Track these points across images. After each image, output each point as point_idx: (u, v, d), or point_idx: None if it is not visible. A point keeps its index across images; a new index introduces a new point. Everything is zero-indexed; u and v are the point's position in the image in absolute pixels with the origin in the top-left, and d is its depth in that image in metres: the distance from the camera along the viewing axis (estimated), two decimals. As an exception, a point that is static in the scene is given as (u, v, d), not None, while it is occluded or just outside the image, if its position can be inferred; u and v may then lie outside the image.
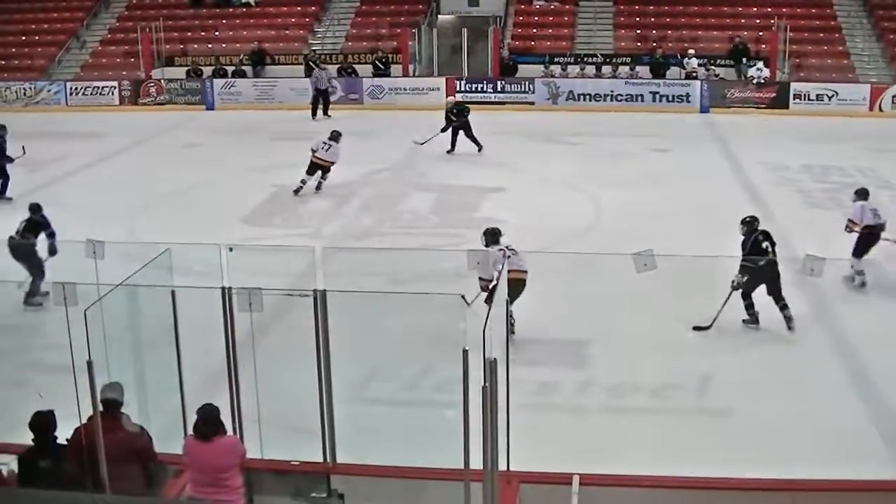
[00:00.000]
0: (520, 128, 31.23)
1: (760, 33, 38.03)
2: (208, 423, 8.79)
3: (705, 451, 11.42)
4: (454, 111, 27.91)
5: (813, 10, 39.51)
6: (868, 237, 17.19)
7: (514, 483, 9.32)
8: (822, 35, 38.65)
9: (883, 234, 17.30)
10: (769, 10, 38.73)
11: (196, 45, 39.73)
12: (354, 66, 37.35)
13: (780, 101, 35.06)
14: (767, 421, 12.20)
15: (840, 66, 37.29)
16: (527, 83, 36.16)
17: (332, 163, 23.18)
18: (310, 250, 12.63)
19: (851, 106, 34.79)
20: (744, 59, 36.79)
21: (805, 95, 35.28)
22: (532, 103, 35.73)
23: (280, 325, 12.06)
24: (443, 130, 27.54)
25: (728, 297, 15.01)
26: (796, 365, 14.13)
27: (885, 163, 26.38)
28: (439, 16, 40.66)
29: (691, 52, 36.99)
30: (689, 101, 35.36)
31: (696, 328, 15.04)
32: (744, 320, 15.33)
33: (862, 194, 17.66)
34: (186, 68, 38.18)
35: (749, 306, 15.35)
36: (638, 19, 39.84)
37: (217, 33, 40.48)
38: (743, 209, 21.17)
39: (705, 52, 37.47)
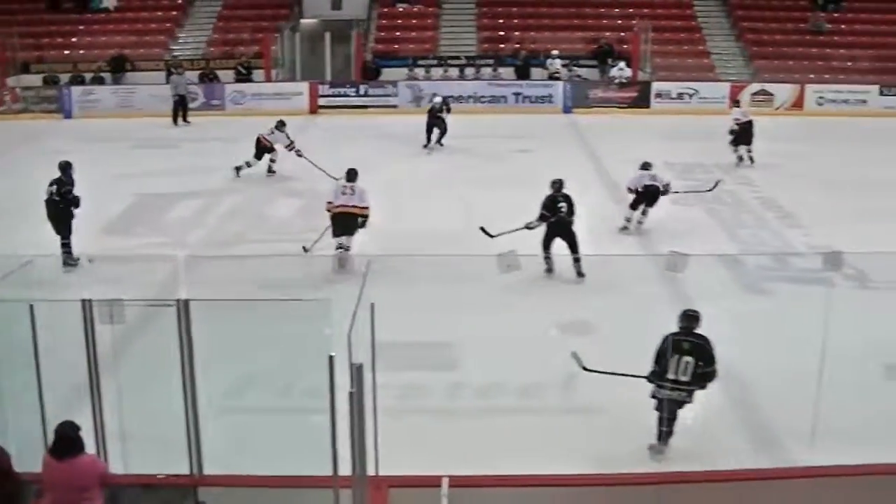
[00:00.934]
0: (384, 131, 31.21)
1: (622, 34, 38.58)
2: (64, 441, 8.59)
3: (574, 449, 11.51)
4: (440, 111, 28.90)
5: (674, 11, 40.25)
6: (644, 194, 20.39)
7: (384, 488, 9.28)
8: (682, 35, 39.40)
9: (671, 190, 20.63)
10: (631, 10, 39.37)
11: (53, 52, 38.99)
12: (216, 71, 36.98)
13: (642, 101, 35.64)
14: (634, 418, 12.32)
15: (700, 66, 38.04)
16: (390, 86, 36.16)
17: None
18: (173, 259, 12.45)
19: (712, 104, 35.56)
20: (609, 60, 37.25)
21: (666, 94, 35.97)
22: (395, 106, 35.79)
23: (144, 337, 11.88)
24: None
25: (518, 229, 16.28)
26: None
27: (746, 160, 26.91)
28: (302, 20, 40.48)
29: (554, 52, 37.37)
30: (552, 102, 35.73)
31: (483, 230, 16.45)
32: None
33: (645, 166, 20.43)
34: (43, 75, 37.39)
35: (546, 258, 17.02)
36: (501, 21, 40.14)
37: (75, 39, 39.74)
38: (607, 208, 21.56)
39: (569, 53, 37.85)
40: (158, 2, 41.34)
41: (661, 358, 11.84)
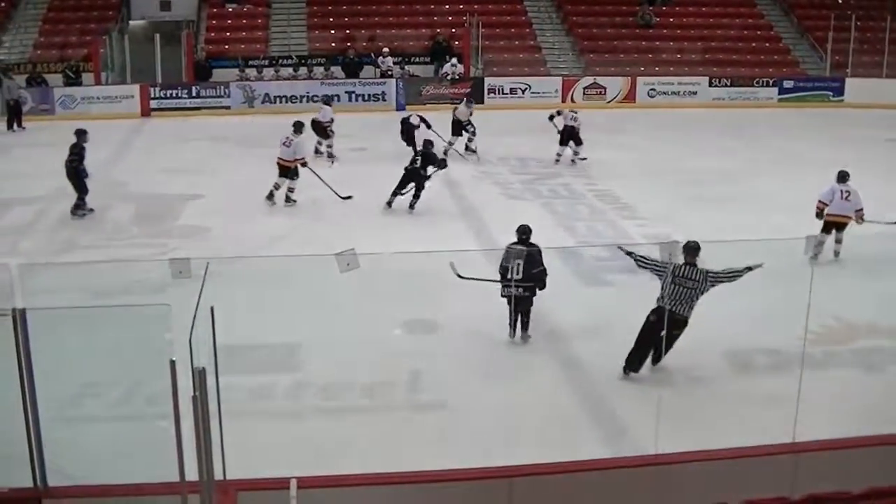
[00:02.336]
0: (216, 133, 30.83)
1: (454, 30, 38.71)
2: None
3: (422, 446, 11.53)
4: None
5: (504, 7, 40.59)
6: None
7: (232, 492, 9.15)
8: (513, 30, 39.77)
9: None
10: (461, 6, 39.57)
11: None
12: (44, 75, 36.08)
13: (474, 96, 35.72)
14: (480, 412, 12.39)
15: (532, 60, 38.40)
16: (222, 87, 35.73)
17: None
18: (6, 268, 12.12)
19: (545, 98, 35.95)
20: (446, 56, 37.38)
21: (499, 90, 36.25)
22: (228, 107, 35.34)
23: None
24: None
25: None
26: (506, 356, 14.41)
27: (581, 151, 27.23)
28: (130, 22, 39.81)
29: (385, 50, 37.34)
30: (384, 100, 35.71)
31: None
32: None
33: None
34: None
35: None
36: (331, 19, 39.99)
37: None
38: (444, 204, 21.61)
39: (402, 51, 37.89)
40: (-21, 5, 40.20)
41: (502, 265, 14.69)
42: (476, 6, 39.67)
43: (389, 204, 21.69)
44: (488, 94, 36.28)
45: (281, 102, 35.41)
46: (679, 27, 41.37)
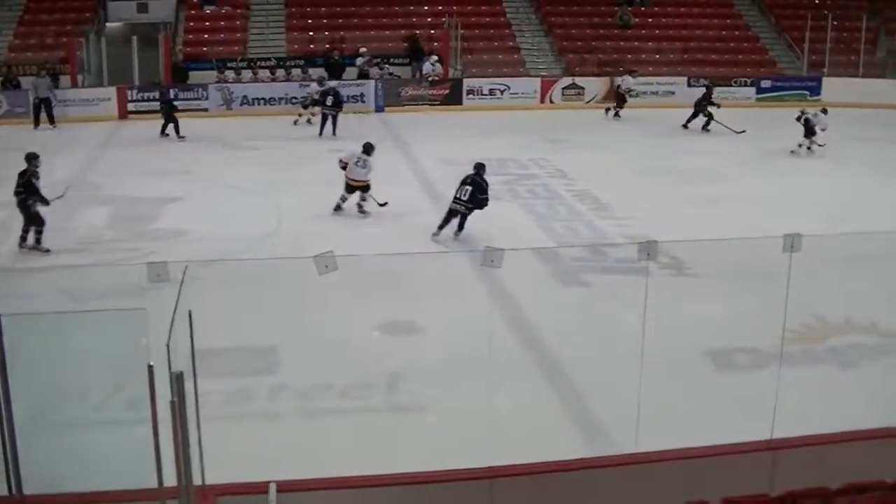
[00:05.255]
0: (195, 134, 30.63)
1: (433, 31, 38.67)
2: None
3: (401, 447, 11.51)
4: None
5: (483, 7, 40.57)
6: None
7: (211, 497, 9.11)
8: (492, 31, 39.76)
9: None
10: (440, 7, 39.51)
11: None
12: (20, 77, 35.83)
13: (453, 98, 35.81)
14: (459, 413, 12.36)
15: (511, 61, 38.39)
16: (200, 89, 35.53)
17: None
18: (-23, 274, 12.06)
19: (523, 99, 36.00)
20: (424, 57, 37.32)
21: (478, 91, 36.20)
22: (206, 110, 35.09)
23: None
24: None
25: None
26: (485, 356, 14.37)
27: (558, 154, 27.27)
28: (107, 24, 39.59)
29: (363, 51, 37.24)
30: (363, 101, 35.60)
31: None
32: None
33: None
34: None
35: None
36: (310, 21, 39.90)
37: None
38: (421, 205, 21.59)
39: (380, 52, 37.82)
40: (-46, 7, 39.90)
41: (459, 187, 19.79)
42: (455, 7, 39.65)
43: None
44: (467, 95, 36.24)
45: (259, 104, 35.25)
46: (657, 28, 41.45)
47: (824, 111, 29.69)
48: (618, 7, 41.45)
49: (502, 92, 36.53)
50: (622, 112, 34.89)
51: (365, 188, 21.24)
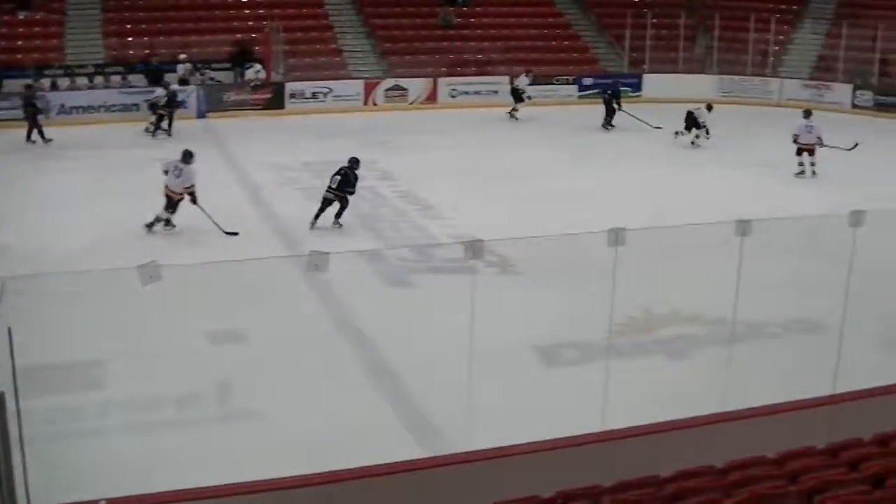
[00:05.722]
0: (7, 146, 29.65)
1: (254, 35, 38.25)
2: None
3: (236, 456, 11.40)
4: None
5: (304, 10, 40.24)
6: None
7: (36, 518, 8.86)
8: (314, 34, 39.45)
9: None
10: (262, 11, 39.08)
11: None
12: None
13: (276, 102, 35.51)
14: (292, 418, 12.28)
15: (333, 64, 38.18)
16: (15, 98, 34.42)
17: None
18: None
19: (347, 102, 35.91)
20: (248, 63, 36.91)
21: (301, 94, 35.96)
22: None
23: None
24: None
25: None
26: (316, 361, 14.28)
27: (384, 155, 27.24)
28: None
29: (182, 56, 36.62)
30: (185, 107, 34.99)
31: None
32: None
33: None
34: None
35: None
36: (129, 26, 39.05)
37: None
38: (246, 211, 21.34)
39: (201, 57, 37.27)
40: None
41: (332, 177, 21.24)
42: (276, 10, 39.27)
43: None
44: (290, 99, 35.95)
45: (77, 113, 34.32)
46: (480, 27, 41.65)
47: (709, 107, 31.44)
48: (440, 7, 41.55)
49: (325, 95, 36.33)
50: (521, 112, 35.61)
51: (189, 197, 20.56)
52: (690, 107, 31.44)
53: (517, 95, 35.74)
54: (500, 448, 10.35)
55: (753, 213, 13.20)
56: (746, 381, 13.23)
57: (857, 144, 27.73)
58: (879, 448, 9.94)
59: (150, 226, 20.67)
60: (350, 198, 21.24)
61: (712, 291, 15.46)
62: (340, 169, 21.40)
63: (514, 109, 35.53)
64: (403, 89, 37.13)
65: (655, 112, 33.36)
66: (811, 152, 26.97)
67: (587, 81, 39.03)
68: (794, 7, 43.81)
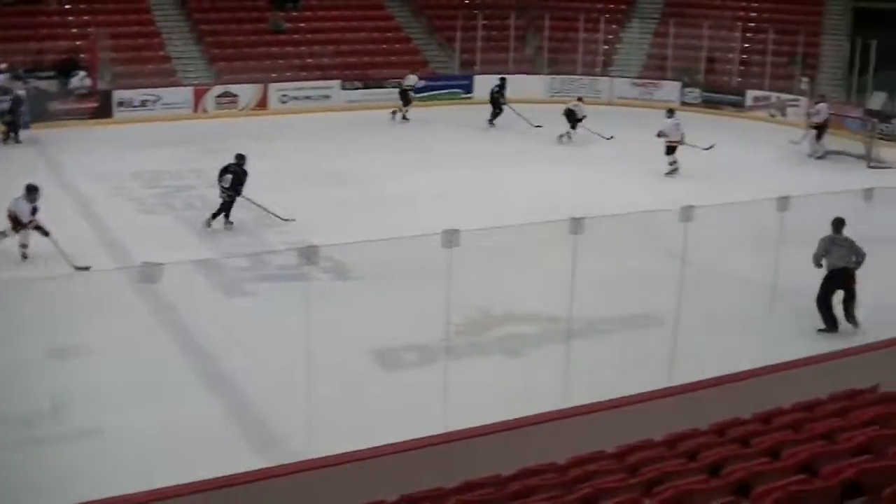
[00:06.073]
0: None
1: (78, 42, 37.43)
2: None
3: (75, 476, 11.14)
4: None
5: (131, 17, 39.48)
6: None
7: None
8: (142, 41, 38.71)
9: None
10: (87, 18, 38.25)
11: None
12: None
13: (103, 111, 34.74)
14: (132, 434, 12.06)
15: (162, 71, 37.56)
16: None
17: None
18: None
19: (176, 109, 35.31)
20: (74, 71, 36.05)
21: (129, 102, 35.26)
22: None
23: None
24: None
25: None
26: (153, 375, 14.03)
27: (215, 162, 26.84)
28: None
29: (3, 66, 35.53)
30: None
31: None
32: None
33: None
34: None
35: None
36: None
37: None
38: (76, 223, 20.82)
39: (23, 65, 36.23)
40: None
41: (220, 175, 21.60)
42: (101, 17, 38.46)
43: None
44: (117, 107, 35.21)
45: None
46: (310, 32, 41.35)
47: (580, 99, 33.39)
48: (270, 12, 41.18)
49: (154, 102, 35.66)
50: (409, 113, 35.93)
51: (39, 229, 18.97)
52: (569, 105, 32.70)
53: (405, 97, 35.92)
54: (342, 454, 10.30)
55: (592, 211, 13.34)
56: (584, 377, 13.33)
57: (713, 145, 28.64)
58: (716, 437, 10.09)
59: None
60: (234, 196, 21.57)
61: (548, 290, 15.60)
62: (228, 166, 21.70)
63: (401, 110, 35.80)
64: (234, 96, 36.68)
65: (487, 112, 33.61)
66: (673, 150, 27.89)
67: (419, 84, 39.09)
68: (623, 7, 44.70)
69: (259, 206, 21.87)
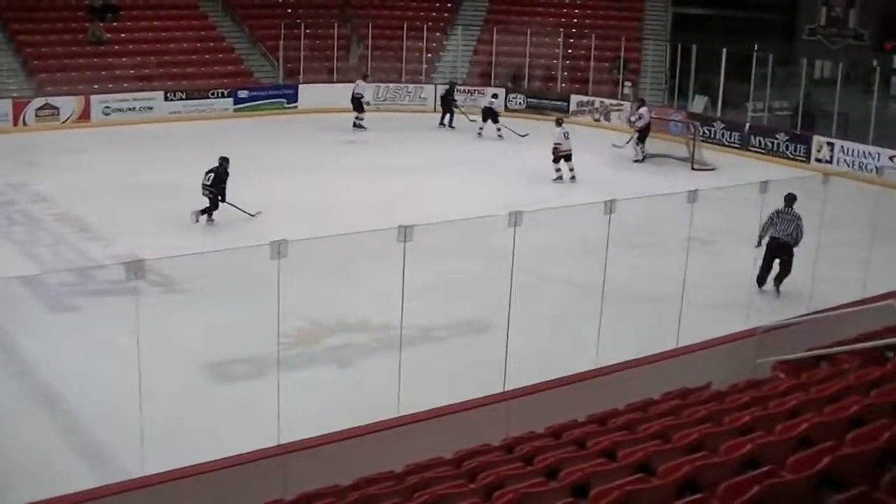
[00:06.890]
0: None
1: None
2: None
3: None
4: None
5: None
6: None
7: None
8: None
9: None
10: None
11: None
12: None
13: None
14: (21, 464, 11.82)
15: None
16: None
17: None
18: None
19: (-5, 124, 34.33)
20: None
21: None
22: None
23: None
24: None
25: None
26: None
27: (36, 176, 26.30)
28: None
29: None
30: None
31: None
32: None
33: None
34: None
35: None
36: None
37: None
38: None
39: None
40: None
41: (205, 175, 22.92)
42: None
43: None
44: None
45: None
46: (132, 42, 40.65)
47: (495, 96, 36.48)
48: (89, 23, 40.40)
49: (-31, 118, 34.74)
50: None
51: None
52: (486, 102, 35.54)
53: (357, 103, 36.24)
54: (176, 470, 10.21)
55: (423, 219, 13.40)
56: (418, 384, 13.36)
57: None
58: (553, 440, 10.25)
59: None
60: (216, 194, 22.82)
61: (379, 299, 15.63)
62: (212, 168, 23.05)
63: (357, 118, 36.16)
64: (55, 108, 35.87)
65: (314, 122, 33.52)
66: (568, 158, 28.39)
67: (242, 94, 38.84)
68: (446, 15, 45.20)
69: (232, 204, 22.88)
